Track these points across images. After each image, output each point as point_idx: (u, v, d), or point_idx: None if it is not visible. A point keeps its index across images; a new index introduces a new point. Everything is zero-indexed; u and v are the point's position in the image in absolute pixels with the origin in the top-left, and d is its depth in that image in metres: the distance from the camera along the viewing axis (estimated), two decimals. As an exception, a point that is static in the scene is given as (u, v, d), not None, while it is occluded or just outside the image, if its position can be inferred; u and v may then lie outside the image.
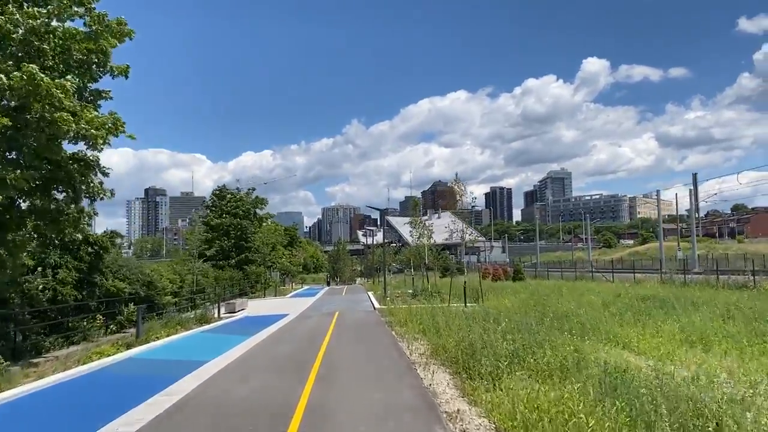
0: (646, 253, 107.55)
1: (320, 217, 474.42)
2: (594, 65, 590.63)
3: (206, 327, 19.97)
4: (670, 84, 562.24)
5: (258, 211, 49.94)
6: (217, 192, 46.89)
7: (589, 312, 17.73)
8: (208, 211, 46.29)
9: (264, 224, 51.87)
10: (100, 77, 14.16)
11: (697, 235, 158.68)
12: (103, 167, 14.30)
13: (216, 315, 24.40)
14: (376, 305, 26.92)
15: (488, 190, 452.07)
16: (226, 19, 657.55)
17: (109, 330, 19.31)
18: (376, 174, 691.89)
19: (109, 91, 14.51)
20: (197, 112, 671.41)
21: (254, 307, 31.12)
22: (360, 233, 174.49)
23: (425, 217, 57.61)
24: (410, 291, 38.37)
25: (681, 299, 20.80)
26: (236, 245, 44.92)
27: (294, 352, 12.80)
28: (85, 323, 17.69)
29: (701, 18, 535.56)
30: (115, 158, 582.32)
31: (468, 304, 24.53)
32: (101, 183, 14.92)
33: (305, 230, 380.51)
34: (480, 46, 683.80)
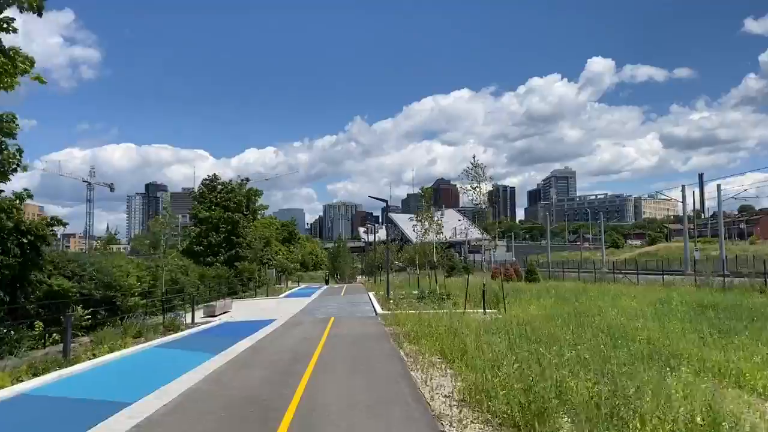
0: (657, 254, 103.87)
1: (321, 214, 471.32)
2: (599, 65, 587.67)
3: (169, 338, 16.30)
4: (675, 84, 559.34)
5: (252, 203, 46.23)
6: (207, 182, 43.16)
7: (646, 325, 14.08)
8: (197, 203, 42.59)
9: (258, 218, 48.14)
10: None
11: (705, 236, 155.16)
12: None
13: (189, 320, 20.76)
14: (379, 309, 23.27)
15: (491, 188, 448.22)
16: (230, 15, 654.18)
17: (51, 340, 15.74)
18: (379, 172, 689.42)
19: (12, 20, 10.74)
20: (200, 108, 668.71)
21: (240, 309, 27.49)
22: (361, 230, 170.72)
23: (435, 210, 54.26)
24: (415, 292, 34.73)
25: (750, 308, 17.17)
26: (227, 240, 41.25)
27: (261, 388, 9.04)
28: (12, 333, 14.03)
29: (707, 18, 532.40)
30: (117, 153, 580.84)
31: (486, 311, 20.88)
32: (19, 151, 11.26)
33: (306, 227, 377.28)
34: (484, 44, 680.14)
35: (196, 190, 42.41)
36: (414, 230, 31.08)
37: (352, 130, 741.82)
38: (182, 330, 18.40)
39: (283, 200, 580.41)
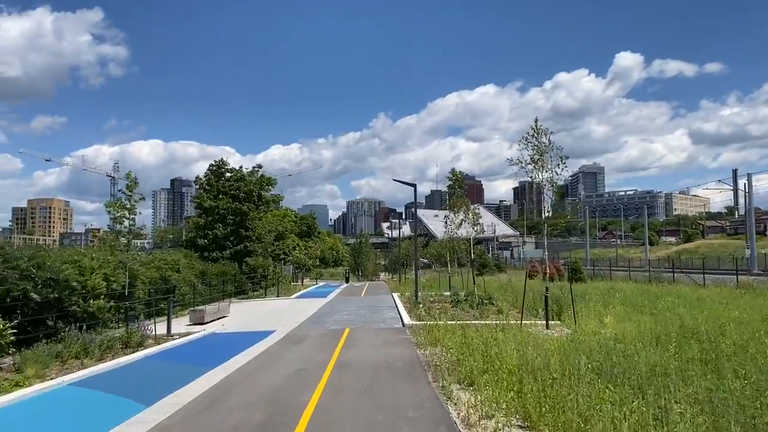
0: (698, 251, 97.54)
1: (345, 210, 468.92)
2: (627, 60, 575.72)
3: (109, 364, 11.64)
4: (706, 79, 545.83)
5: (264, 193, 41.74)
6: (214, 167, 38.70)
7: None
8: (202, 191, 38.20)
9: (271, 209, 43.65)
10: None
11: (742, 233, 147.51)
12: None
13: (166, 332, 16.23)
14: (406, 318, 18.46)
15: (516, 185, 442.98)
16: (256, 14, 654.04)
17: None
18: (402, 168, 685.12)
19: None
20: (226, 104, 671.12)
21: (239, 314, 23.01)
22: (384, 225, 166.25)
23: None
24: (447, 294, 29.93)
25: None
26: (234, 233, 36.86)
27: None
28: None
29: (738, 12, 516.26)
30: (145, 150, 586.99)
31: (537, 321, 16.00)
32: None
33: (330, 224, 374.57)
34: (511, 39, 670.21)
35: (201, 177, 38.14)
36: (445, 221, 26.20)
37: (376, 126, 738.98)
38: (146, 347, 13.88)
39: (308, 196, 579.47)
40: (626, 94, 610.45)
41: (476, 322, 16.67)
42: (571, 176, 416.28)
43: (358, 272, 70.20)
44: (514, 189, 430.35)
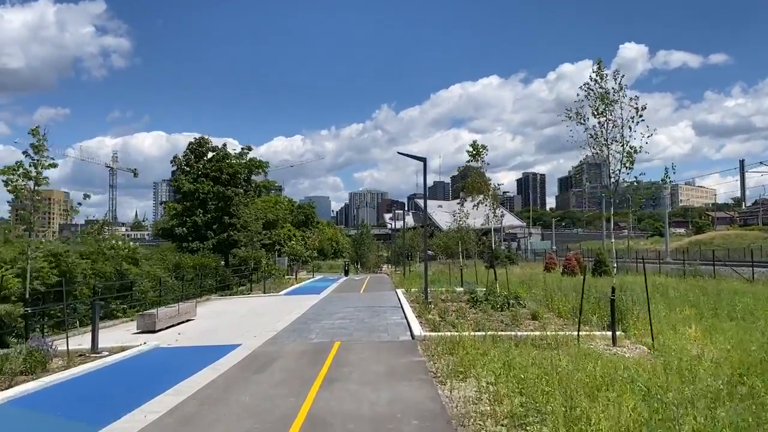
0: (713, 242, 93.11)
1: (347, 202, 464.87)
2: (631, 51, 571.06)
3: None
4: (710, 70, 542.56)
5: (254, 177, 37.35)
6: (194, 146, 34.20)
7: None
8: (180, 173, 33.80)
9: (262, 195, 39.22)
10: None
11: (752, 224, 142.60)
12: None
13: (91, 348, 11.91)
14: (416, 327, 13.95)
15: (519, 176, 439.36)
16: (259, 5, 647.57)
17: None
18: (405, 160, 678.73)
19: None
20: (229, 96, 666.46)
21: (208, 316, 18.77)
22: (387, 216, 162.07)
23: (458, 201, 44.28)
24: (460, 290, 25.65)
25: None
26: (217, 220, 32.54)
27: None
28: None
29: (744, 2, 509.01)
30: (148, 141, 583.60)
31: (594, 332, 11.68)
32: None
33: (332, 215, 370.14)
34: (514, 30, 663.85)
35: (180, 157, 33.65)
36: (461, 202, 21.70)
37: (379, 118, 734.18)
38: (50, 371, 9.63)
39: (310, 188, 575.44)
40: (630, 85, 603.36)
41: (511, 333, 12.37)
42: (574, 167, 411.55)
43: (359, 264, 65.91)
44: (518, 180, 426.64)
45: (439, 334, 12.30)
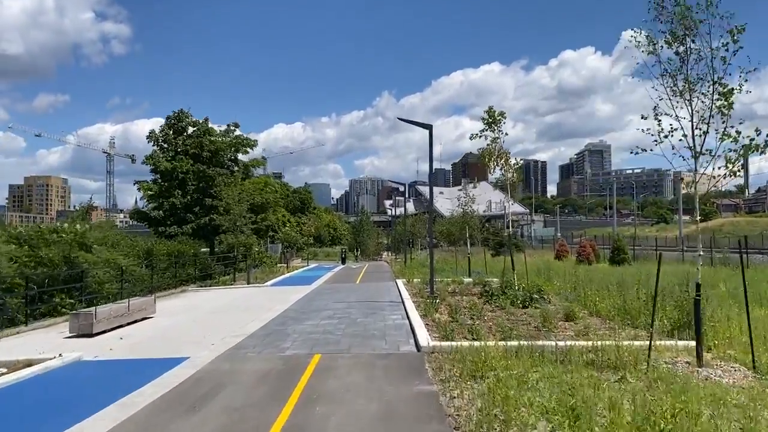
0: (722, 229, 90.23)
1: (347, 189, 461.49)
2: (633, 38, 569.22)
3: None
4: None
5: (241, 156, 34.08)
6: (173, 121, 30.81)
7: None
8: (156, 149, 30.48)
9: (250, 176, 35.90)
10: None
11: (758, 212, 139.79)
12: None
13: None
14: (422, 332, 10.62)
15: (520, 163, 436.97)
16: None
17: None
18: (406, 147, 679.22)
19: None
20: (230, 82, 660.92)
21: (169, 314, 15.69)
22: (387, 203, 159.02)
23: (459, 187, 40.90)
24: (468, 280, 22.63)
25: None
26: (198, 202, 29.36)
27: None
28: None
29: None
30: (148, 128, 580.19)
31: (662, 341, 8.55)
32: None
33: (332, 202, 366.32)
34: (516, 16, 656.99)
35: (157, 132, 30.23)
36: (465, 184, 18.41)
37: (380, 105, 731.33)
38: None
39: (311, 175, 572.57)
40: (633, 71, 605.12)
41: (549, 342, 9.27)
42: (576, 155, 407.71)
43: (358, 252, 62.83)
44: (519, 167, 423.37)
45: (454, 344, 9.17)
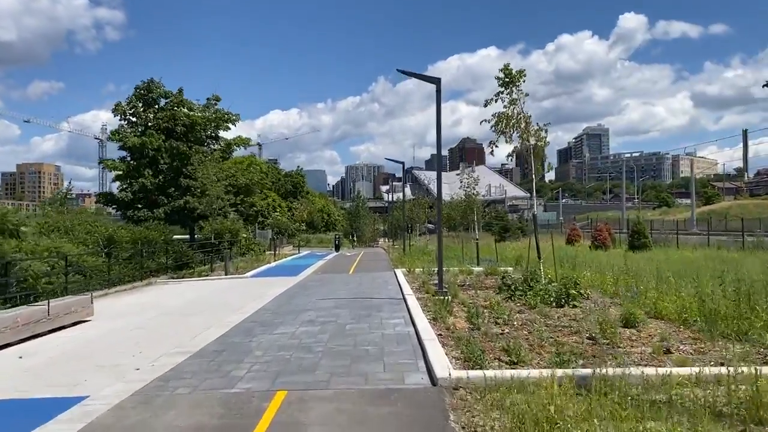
0: (729, 212, 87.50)
1: (344, 175, 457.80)
2: (631, 21, 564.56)
3: None
4: (710, 41, 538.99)
5: (223, 133, 30.71)
6: (142, 91, 27.31)
7: None
8: (124, 124, 27.07)
9: (233, 154, 32.51)
10: None
11: (758, 195, 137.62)
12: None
13: None
14: (435, 352, 7.38)
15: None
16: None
17: None
18: (402, 133, 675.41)
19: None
20: (225, 69, 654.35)
21: (111, 316, 12.55)
22: (383, 188, 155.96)
23: (457, 171, 37.99)
24: (478, 269, 19.67)
25: None
26: (171, 183, 26.10)
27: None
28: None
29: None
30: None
31: None
32: None
33: (329, 188, 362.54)
34: (513, 0, 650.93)
35: (124, 104, 26.65)
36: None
37: (376, 90, 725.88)
38: None
39: (307, 162, 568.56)
40: (629, 56, 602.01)
41: (631, 371, 6.12)
42: (574, 139, 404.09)
43: (353, 238, 59.63)
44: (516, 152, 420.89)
45: (487, 374, 6.03)
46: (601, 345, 7.81)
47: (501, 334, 8.75)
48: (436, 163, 15.67)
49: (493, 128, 15.11)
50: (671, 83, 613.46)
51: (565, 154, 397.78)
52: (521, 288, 12.89)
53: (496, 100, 15.00)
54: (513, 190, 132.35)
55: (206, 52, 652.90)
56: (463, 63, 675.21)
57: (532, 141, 14.63)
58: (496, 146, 15.46)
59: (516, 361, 6.80)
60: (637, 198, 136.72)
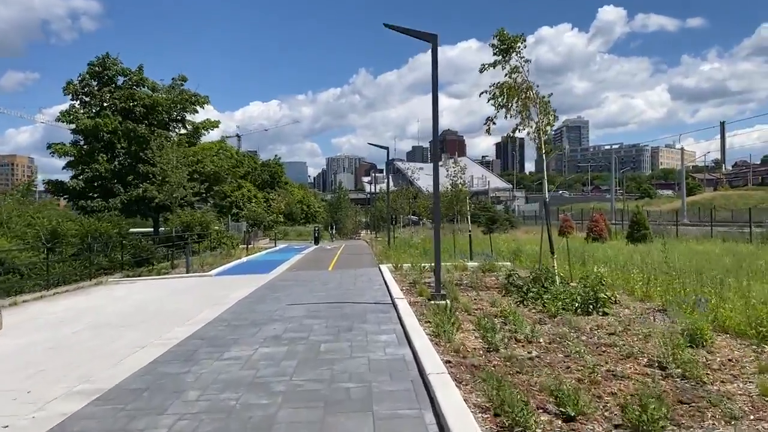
0: (713, 202, 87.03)
1: (325, 167, 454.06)
2: (610, 14, 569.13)
3: None
4: (687, 34, 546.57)
5: (188, 115, 28.02)
6: (96, 68, 24.46)
7: None
8: (76, 104, 24.24)
9: (201, 140, 29.78)
10: None
11: (737, 186, 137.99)
12: None
13: None
14: (449, 399, 5.18)
15: (498, 140, 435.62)
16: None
17: None
18: (383, 125, 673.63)
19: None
20: (203, 59, 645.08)
21: (37, 327, 10.01)
22: (365, 179, 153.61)
23: (440, 163, 36.13)
24: (473, 264, 17.56)
25: None
26: (130, 169, 23.44)
27: None
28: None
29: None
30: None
31: None
32: None
33: (309, 180, 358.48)
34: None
35: (75, 82, 23.78)
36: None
37: (357, 82, 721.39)
38: None
39: (288, 154, 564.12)
40: (608, 49, 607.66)
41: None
42: (553, 131, 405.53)
43: (332, 231, 57.14)
44: (497, 144, 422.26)
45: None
46: (675, 379, 5.57)
47: (530, 358, 6.48)
48: (432, 134, 13.41)
49: (492, 101, 12.86)
50: (649, 76, 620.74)
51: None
52: (534, 289, 10.67)
53: (494, 67, 12.74)
54: (496, 182, 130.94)
55: (184, 43, 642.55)
56: (443, 55, 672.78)
57: (541, 117, 12.44)
58: (494, 123, 13.28)
59: (573, 414, 4.51)
60: (621, 189, 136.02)
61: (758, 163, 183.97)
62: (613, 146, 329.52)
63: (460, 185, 26.38)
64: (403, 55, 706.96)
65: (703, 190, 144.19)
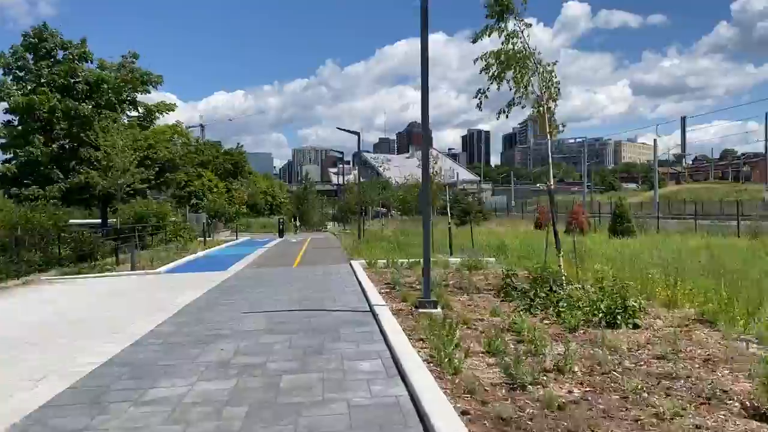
0: (679, 195, 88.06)
1: (291, 158, 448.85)
2: (575, 9, 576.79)
3: None
4: (648, 31, 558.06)
5: (140, 95, 25.47)
6: (32, 40, 21.78)
7: None
8: (8, 80, 21.56)
9: (155, 123, 27.21)
10: None
11: (699, 180, 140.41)
12: None
13: None
14: None
15: (464, 133, 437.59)
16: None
17: None
18: (350, 117, 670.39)
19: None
20: (165, 46, 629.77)
21: None
22: (332, 171, 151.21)
23: (407, 154, 34.26)
24: (454, 260, 15.77)
25: None
26: (70, 154, 20.91)
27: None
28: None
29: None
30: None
31: None
32: None
33: (275, 172, 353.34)
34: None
35: (7, 55, 21.09)
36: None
37: (324, 73, 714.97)
38: None
39: (253, 144, 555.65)
40: (572, 44, 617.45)
41: None
42: (519, 124, 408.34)
43: (297, 222, 54.80)
44: (462, 137, 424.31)
45: None
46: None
47: (575, 401, 4.64)
48: (421, 124, 11.45)
49: (485, 71, 11.04)
50: (612, 71, 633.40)
51: (510, 140, 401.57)
52: (541, 294, 8.89)
53: (489, 34, 10.94)
54: (464, 174, 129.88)
55: (146, 28, 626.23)
56: (411, 48, 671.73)
57: (544, 92, 10.70)
58: (486, 96, 11.49)
59: None
60: (589, 182, 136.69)
61: (717, 158, 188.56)
62: (577, 140, 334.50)
63: (433, 175, 24.85)
64: (370, 46, 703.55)
65: (666, 183, 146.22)
